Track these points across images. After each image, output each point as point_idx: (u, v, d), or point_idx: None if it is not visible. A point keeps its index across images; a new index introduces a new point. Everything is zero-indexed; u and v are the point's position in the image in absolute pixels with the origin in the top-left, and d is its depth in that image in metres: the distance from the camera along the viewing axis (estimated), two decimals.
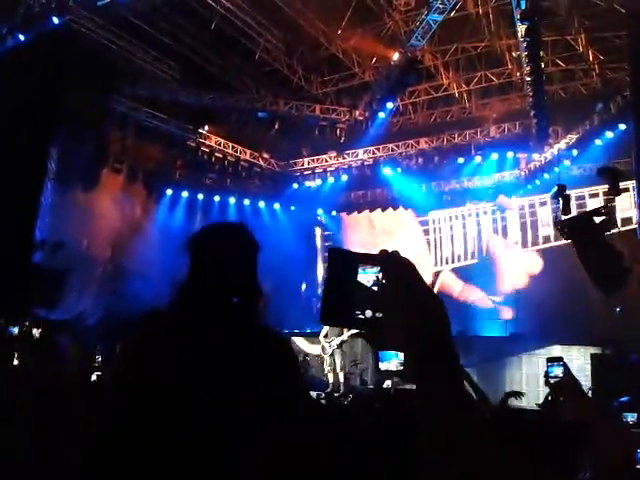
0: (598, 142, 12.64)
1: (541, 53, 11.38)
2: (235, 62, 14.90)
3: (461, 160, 14.82)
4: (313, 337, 13.24)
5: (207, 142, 15.42)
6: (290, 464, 1.09)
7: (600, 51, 13.26)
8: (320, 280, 17.26)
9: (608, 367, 8.94)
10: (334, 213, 17.77)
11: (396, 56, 12.51)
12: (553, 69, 13.85)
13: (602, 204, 11.27)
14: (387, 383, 10.72)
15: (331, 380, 11.03)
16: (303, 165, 16.88)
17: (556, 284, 12.58)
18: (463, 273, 15.62)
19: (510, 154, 14.44)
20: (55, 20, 10.86)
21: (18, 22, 10.85)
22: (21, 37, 10.94)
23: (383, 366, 11.68)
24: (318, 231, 17.94)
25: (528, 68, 11.27)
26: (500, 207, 15.19)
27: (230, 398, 1.13)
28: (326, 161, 16.47)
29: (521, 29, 10.39)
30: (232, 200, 16.73)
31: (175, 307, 1.28)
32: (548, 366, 2.76)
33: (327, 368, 11.13)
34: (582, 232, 9.36)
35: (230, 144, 15.83)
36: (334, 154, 16.19)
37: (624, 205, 11.34)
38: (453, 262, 15.92)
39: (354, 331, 11.06)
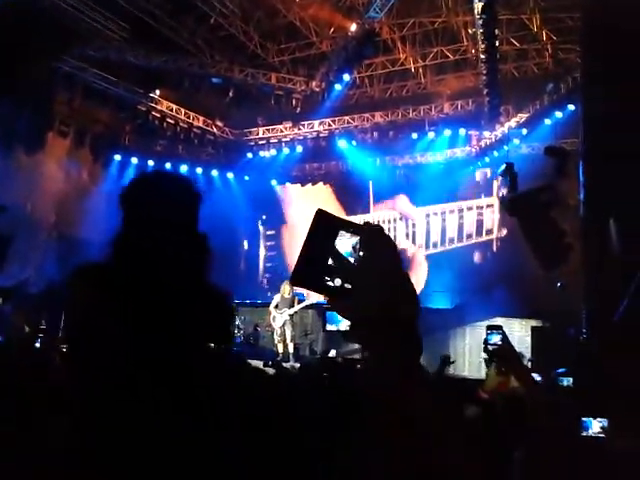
0: (547, 122, 12.94)
1: (496, 31, 11.48)
2: (189, 25, 14.47)
3: (415, 135, 14.94)
4: (263, 308, 13.27)
5: (158, 107, 15.00)
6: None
7: (553, 31, 13.49)
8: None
9: (547, 340, 9.32)
10: (288, 184, 17.69)
11: (354, 27, 12.42)
12: (507, 48, 14.02)
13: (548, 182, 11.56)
14: (332, 352, 10.92)
15: (281, 350, 11.12)
16: (258, 134, 16.67)
17: (500, 258, 12.97)
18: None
19: (462, 131, 14.63)
20: None
21: None
22: None
23: (331, 327, 11.89)
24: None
25: (483, 46, 11.37)
26: None
27: (169, 354, 1.12)
28: (281, 131, 16.31)
29: (478, 6, 10.46)
30: (184, 168, 16.39)
31: (109, 263, 1.23)
32: (487, 334, 2.84)
33: (277, 338, 11.20)
34: (526, 209, 9.61)
35: (182, 110, 15.45)
36: (289, 124, 16.04)
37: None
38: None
39: (305, 303, 11.18)
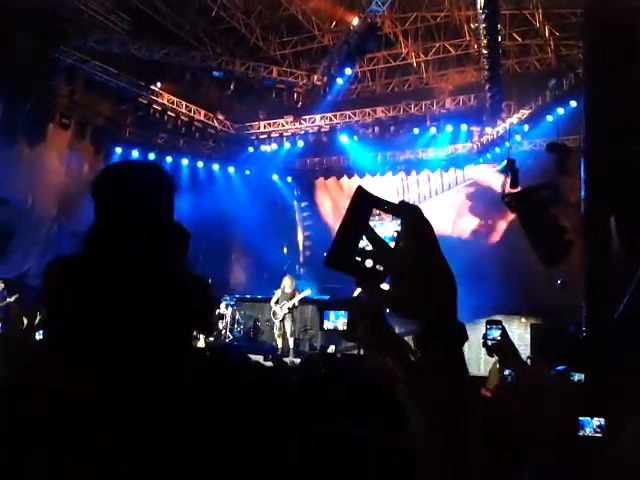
0: (549, 118, 12.90)
1: (498, 26, 11.44)
2: (191, 17, 14.43)
3: (416, 131, 14.88)
4: (264, 302, 13.28)
5: (159, 100, 14.96)
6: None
7: (556, 27, 13.44)
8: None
9: (547, 337, 9.32)
10: (289, 179, 17.67)
11: (356, 21, 12.37)
12: (509, 43, 13.97)
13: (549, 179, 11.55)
14: (331, 348, 10.93)
15: (280, 345, 11.14)
16: (259, 129, 16.63)
17: (500, 255, 12.96)
18: None
19: (464, 127, 14.59)
20: None
21: None
22: None
23: (328, 325, 11.86)
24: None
25: (485, 41, 11.33)
26: None
27: (147, 347, 1.10)
28: (282, 125, 16.27)
29: (480, 1, 10.40)
30: (185, 162, 16.40)
31: (83, 255, 1.21)
32: (487, 328, 2.84)
33: (277, 333, 11.22)
34: (528, 205, 9.59)
35: (183, 103, 15.41)
36: (291, 119, 16.00)
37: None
38: None
39: (303, 295, 11.18)
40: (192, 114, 15.67)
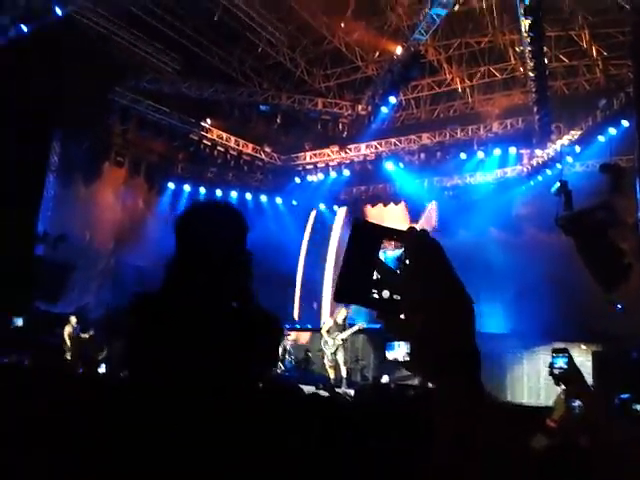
0: (601, 138, 12.60)
1: (544, 48, 11.34)
2: (238, 55, 14.87)
3: (463, 155, 14.76)
4: (315, 332, 13.26)
5: (209, 135, 15.40)
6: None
7: (603, 47, 13.22)
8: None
9: (609, 364, 8.95)
10: (336, 208, 17.75)
11: (399, 50, 12.48)
12: (556, 65, 13.81)
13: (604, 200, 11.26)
14: (385, 378, 10.78)
15: (332, 376, 11.05)
16: (305, 159, 16.86)
17: (555, 280, 12.58)
18: None
19: (513, 150, 14.39)
20: (58, 11, 10.86)
21: (21, 13, 10.82)
22: (24, 28, 10.91)
23: (390, 355, 11.72)
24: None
25: (531, 64, 11.24)
26: None
27: (223, 381, 1.16)
28: (328, 155, 16.45)
29: (525, 24, 10.36)
30: (234, 194, 16.73)
31: (164, 290, 1.29)
32: (553, 357, 2.78)
33: (328, 364, 11.14)
34: (583, 228, 9.36)
35: (232, 138, 15.82)
36: (336, 149, 16.16)
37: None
38: None
39: (357, 327, 11.12)
40: (240, 148, 16.05)
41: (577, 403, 3.22)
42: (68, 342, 10.94)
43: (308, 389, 7.01)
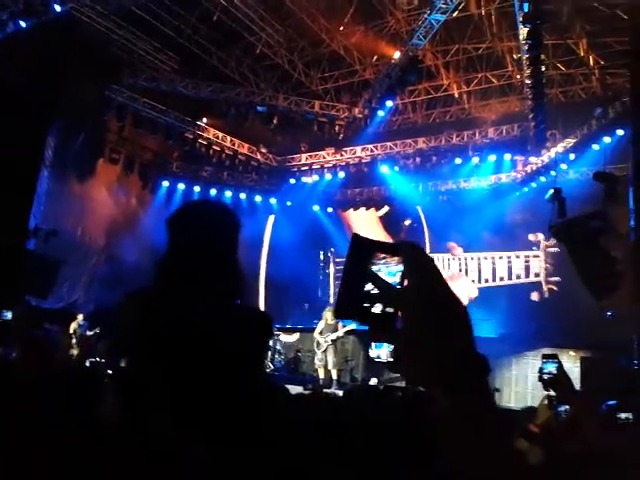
0: (595, 147, 12.66)
1: (542, 56, 11.38)
2: (236, 55, 14.87)
3: (458, 160, 14.80)
4: (306, 333, 13.26)
5: (205, 134, 15.38)
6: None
7: (601, 56, 13.28)
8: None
9: (597, 371, 8.98)
10: (330, 210, 17.77)
11: (397, 55, 12.51)
12: (553, 72, 13.86)
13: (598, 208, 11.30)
14: (373, 380, 10.79)
15: (321, 376, 11.05)
16: (300, 161, 16.87)
17: (547, 287, 12.64)
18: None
19: (507, 156, 14.44)
20: (57, 8, 10.82)
21: (20, 8, 10.78)
22: (22, 24, 10.85)
23: (373, 353, 11.76)
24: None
25: (529, 71, 11.28)
26: None
27: (214, 377, 1.14)
28: (324, 157, 16.46)
29: (523, 32, 10.40)
30: (228, 194, 16.71)
31: (156, 288, 1.28)
32: (543, 362, 2.78)
33: (318, 364, 11.14)
34: (576, 236, 9.39)
35: (228, 137, 15.80)
36: (332, 151, 16.19)
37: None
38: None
39: (349, 328, 11.11)
40: (236, 148, 16.04)
41: (564, 408, 3.22)
42: (74, 339, 11.03)
43: (297, 389, 6.99)
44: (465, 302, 0.75)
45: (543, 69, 11.60)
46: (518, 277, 14.73)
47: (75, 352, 10.87)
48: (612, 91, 12.93)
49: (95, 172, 14.47)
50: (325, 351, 10.98)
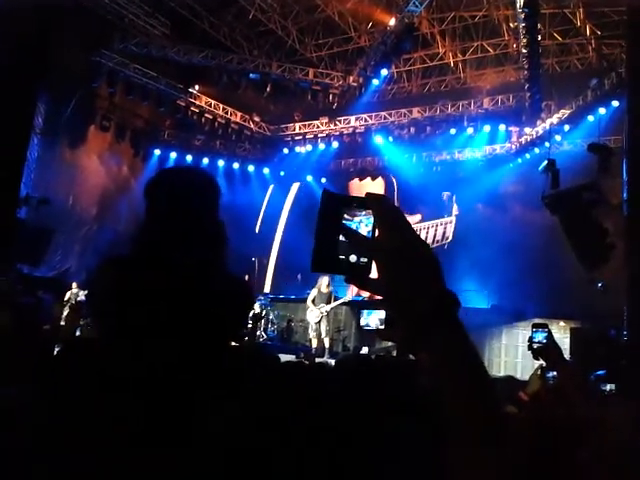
0: (590, 118, 12.60)
1: (538, 25, 11.24)
2: (228, 21, 14.59)
3: (453, 131, 14.71)
4: (297, 303, 13.33)
5: (197, 102, 15.17)
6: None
7: (597, 26, 13.14)
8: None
9: (587, 341, 9.09)
10: (324, 180, 17.67)
11: (392, 21, 12.32)
12: (549, 42, 13.72)
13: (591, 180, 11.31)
14: (365, 349, 10.90)
15: (314, 345, 11.13)
16: (294, 130, 16.70)
17: (538, 258, 12.70)
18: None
19: (502, 127, 14.36)
20: None
21: None
22: None
23: (363, 322, 11.89)
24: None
25: (525, 40, 11.15)
26: None
27: (192, 343, 1.14)
28: (317, 127, 16.31)
29: (520, 0, 10.24)
30: (221, 163, 16.58)
31: (133, 254, 1.27)
32: (533, 331, 2.82)
33: (312, 333, 11.20)
34: (568, 207, 9.40)
35: (220, 105, 15.60)
36: (326, 120, 16.03)
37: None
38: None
39: (343, 300, 11.19)
40: (229, 116, 15.85)
41: (552, 374, 3.27)
42: (65, 308, 10.97)
43: (289, 358, 7.04)
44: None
45: (539, 38, 11.48)
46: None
47: (62, 321, 10.81)
48: (608, 62, 12.83)
49: (86, 140, 14.31)
50: (319, 321, 11.05)
